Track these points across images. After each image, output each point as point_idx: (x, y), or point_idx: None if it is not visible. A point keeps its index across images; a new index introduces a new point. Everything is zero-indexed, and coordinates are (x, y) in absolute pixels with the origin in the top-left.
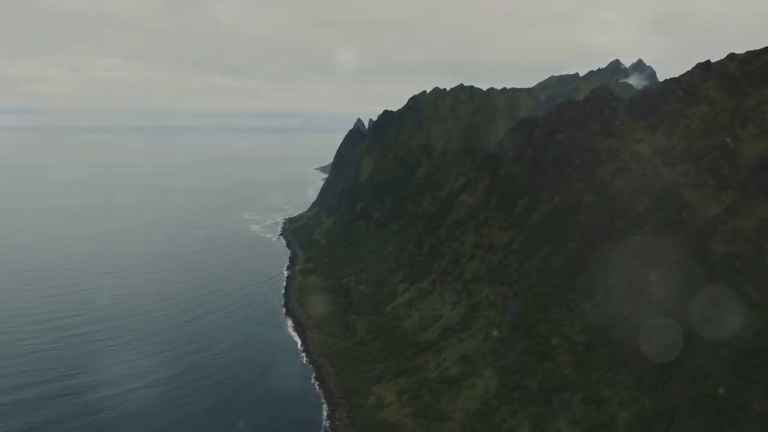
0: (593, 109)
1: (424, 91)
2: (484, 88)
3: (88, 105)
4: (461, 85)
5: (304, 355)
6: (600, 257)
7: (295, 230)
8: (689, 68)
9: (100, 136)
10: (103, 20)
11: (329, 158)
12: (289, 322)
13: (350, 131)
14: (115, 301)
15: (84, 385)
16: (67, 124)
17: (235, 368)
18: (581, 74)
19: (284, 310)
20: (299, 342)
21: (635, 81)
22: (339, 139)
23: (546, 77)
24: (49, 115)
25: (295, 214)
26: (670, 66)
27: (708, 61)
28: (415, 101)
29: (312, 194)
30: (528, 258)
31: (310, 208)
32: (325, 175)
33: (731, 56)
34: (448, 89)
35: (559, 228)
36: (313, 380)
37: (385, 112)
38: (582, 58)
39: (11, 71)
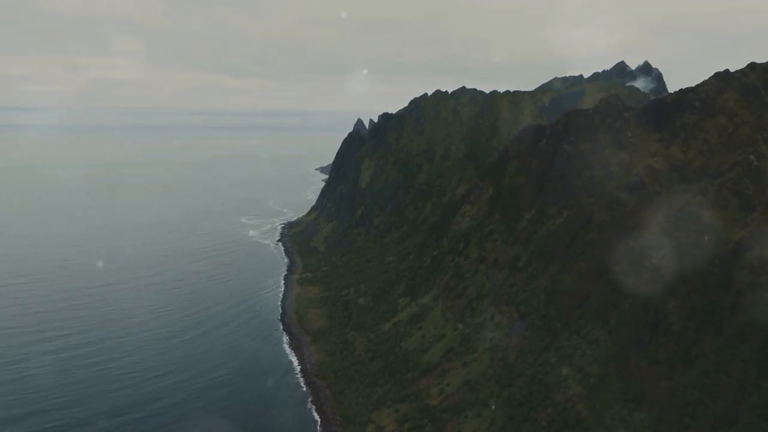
0: (603, 119)
1: (426, 94)
2: (487, 91)
3: (89, 104)
4: (463, 87)
5: (300, 375)
6: (613, 280)
7: (293, 236)
8: (694, 70)
9: (100, 134)
10: (103, 21)
11: (330, 157)
12: (286, 338)
13: (350, 134)
14: (107, 319)
15: (74, 418)
16: (68, 122)
17: (230, 393)
18: (585, 76)
19: (281, 324)
20: (296, 361)
21: (642, 84)
22: (340, 138)
23: (549, 78)
24: (50, 114)
25: (294, 218)
26: (676, 69)
27: (726, 71)
28: (415, 104)
29: (312, 196)
30: (535, 277)
31: (309, 213)
32: (326, 176)
33: (751, 66)
34: (449, 92)
35: (567, 245)
36: (309, 404)
37: (385, 114)
38: (586, 59)
39: (12, 70)
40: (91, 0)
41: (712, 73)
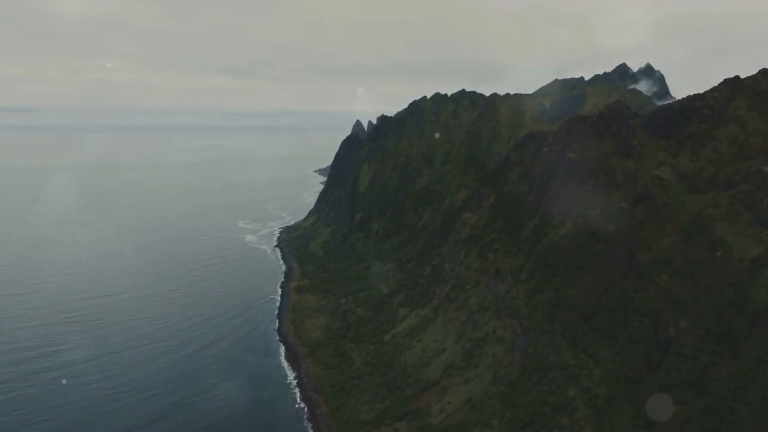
0: (608, 126)
1: (425, 97)
2: (486, 93)
3: (89, 105)
4: (463, 90)
5: (297, 390)
6: (620, 295)
7: (291, 241)
8: (696, 72)
9: (100, 135)
10: (102, 23)
11: (329, 158)
12: (282, 350)
13: (349, 136)
14: (101, 333)
15: None
16: (67, 123)
17: (225, 412)
18: (586, 78)
19: (277, 335)
20: (292, 374)
21: (644, 87)
22: (339, 138)
23: (550, 80)
24: (49, 114)
25: (292, 222)
26: (677, 71)
27: (737, 77)
28: (415, 107)
29: (310, 199)
30: (538, 289)
31: (307, 217)
32: (324, 178)
33: (763, 72)
34: (449, 95)
35: (572, 258)
36: (306, 422)
37: (384, 117)
38: (587, 60)
39: (11, 71)
40: (90, 2)
41: (713, 76)
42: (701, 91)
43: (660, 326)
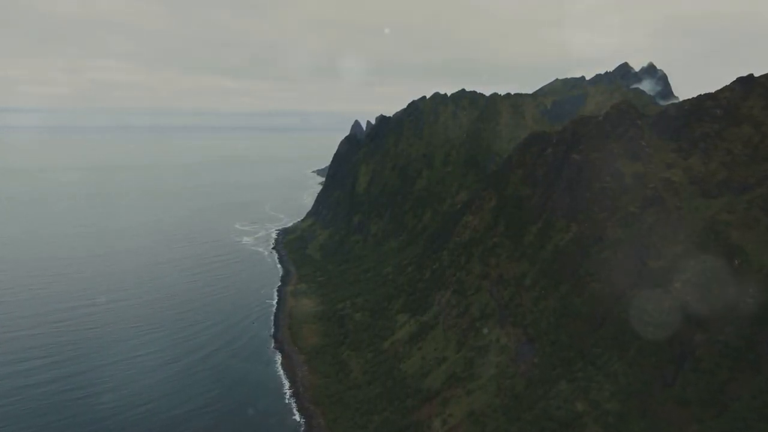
0: (614, 128)
1: (424, 97)
2: (487, 93)
3: (87, 105)
4: (463, 90)
5: (293, 400)
6: (630, 305)
7: (288, 243)
8: (697, 73)
9: (99, 135)
10: (102, 23)
11: (328, 159)
12: (279, 358)
13: (347, 137)
14: (92, 344)
15: None
16: (67, 123)
17: (219, 426)
18: (588, 77)
19: (273, 341)
20: (288, 384)
21: (647, 86)
22: (338, 138)
23: (551, 80)
24: (49, 114)
25: (290, 224)
26: (678, 71)
27: (750, 76)
28: (414, 107)
29: (308, 200)
30: (543, 296)
31: (304, 219)
32: (323, 179)
33: None
34: (449, 95)
35: (578, 264)
36: None
37: (383, 117)
38: (587, 60)
39: (10, 72)
40: (89, 2)
41: (714, 76)
42: (704, 91)
43: (674, 339)
